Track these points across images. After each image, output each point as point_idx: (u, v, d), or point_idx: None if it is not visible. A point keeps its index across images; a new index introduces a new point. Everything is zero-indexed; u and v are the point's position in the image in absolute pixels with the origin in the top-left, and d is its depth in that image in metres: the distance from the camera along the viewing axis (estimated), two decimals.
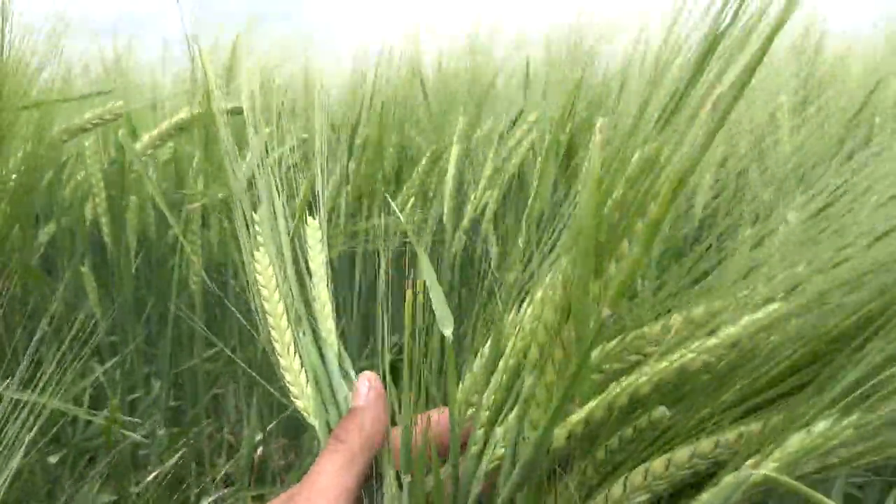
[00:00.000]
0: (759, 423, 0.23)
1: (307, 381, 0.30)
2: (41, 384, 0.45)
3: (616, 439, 0.24)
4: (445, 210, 0.69)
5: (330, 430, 0.29)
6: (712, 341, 0.23)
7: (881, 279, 0.22)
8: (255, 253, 0.32)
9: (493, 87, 0.82)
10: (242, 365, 0.82)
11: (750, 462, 0.22)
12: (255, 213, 0.31)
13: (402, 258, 0.85)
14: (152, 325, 0.85)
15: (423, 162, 0.74)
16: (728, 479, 0.22)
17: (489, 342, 0.27)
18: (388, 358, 0.30)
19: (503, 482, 0.25)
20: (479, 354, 0.28)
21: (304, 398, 0.29)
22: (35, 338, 0.50)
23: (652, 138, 0.21)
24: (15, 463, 0.45)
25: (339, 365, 0.30)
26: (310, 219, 0.33)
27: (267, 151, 0.33)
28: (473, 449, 0.26)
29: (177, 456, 0.79)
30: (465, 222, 0.71)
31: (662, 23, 0.21)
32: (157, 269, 0.84)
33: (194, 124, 0.72)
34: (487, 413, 0.26)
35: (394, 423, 0.28)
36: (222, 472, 0.83)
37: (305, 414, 0.30)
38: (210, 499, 0.79)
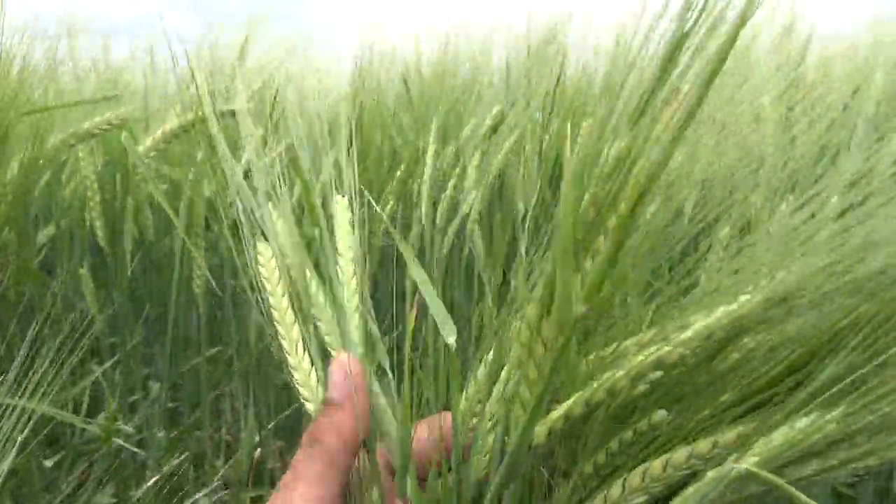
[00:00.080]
0: (757, 423, 0.23)
1: (318, 380, 0.28)
2: (32, 385, 0.45)
3: (616, 441, 0.24)
4: (423, 210, 0.69)
5: None
6: (686, 334, 0.23)
7: (867, 282, 0.22)
8: (259, 245, 0.30)
9: (478, 86, 0.81)
10: (246, 365, 0.82)
11: (732, 457, 0.22)
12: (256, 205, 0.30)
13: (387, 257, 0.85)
14: (150, 327, 0.85)
15: (403, 166, 0.74)
16: (710, 474, 0.22)
17: (492, 350, 0.27)
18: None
19: (490, 481, 0.25)
20: (482, 362, 0.27)
21: (315, 400, 0.28)
22: (27, 338, 0.50)
23: (623, 135, 0.21)
24: (6, 465, 0.45)
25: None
26: (338, 196, 0.32)
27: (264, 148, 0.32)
28: (475, 459, 0.26)
29: (176, 459, 0.79)
30: (447, 222, 0.71)
31: (634, 21, 0.21)
32: (156, 271, 0.84)
33: (196, 127, 0.72)
34: (491, 423, 0.26)
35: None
36: (220, 473, 0.83)
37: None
38: (208, 500, 0.79)
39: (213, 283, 0.73)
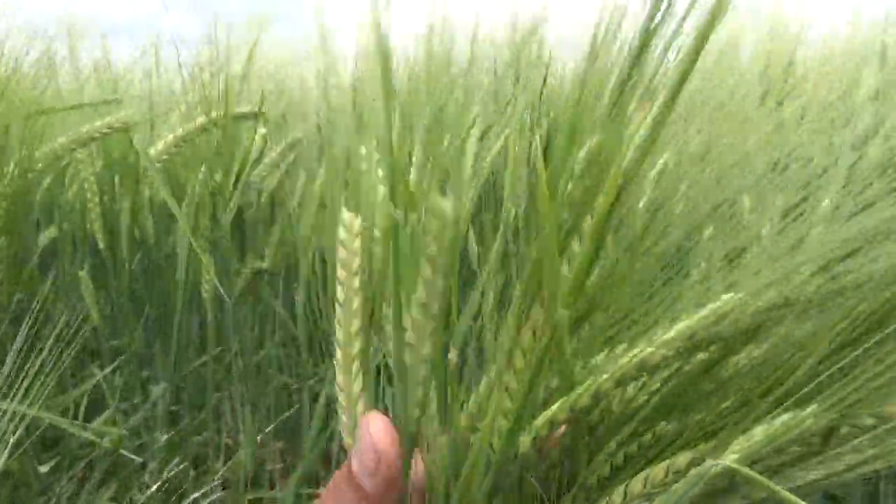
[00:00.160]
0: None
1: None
2: (24, 387, 0.45)
3: (616, 447, 0.24)
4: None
5: None
6: (669, 335, 0.23)
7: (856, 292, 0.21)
8: (343, 212, 0.25)
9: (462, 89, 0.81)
10: (246, 367, 0.82)
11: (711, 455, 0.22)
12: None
13: None
14: (151, 329, 0.85)
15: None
16: (692, 472, 0.21)
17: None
18: None
19: (476, 491, 0.24)
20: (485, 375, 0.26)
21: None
22: (19, 339, 0.50)
23: (596, 134, 0.21)
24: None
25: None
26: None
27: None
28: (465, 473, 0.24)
29: (176, 462, 0.79)
30: None
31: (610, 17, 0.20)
32: (157, 273, 0.84)
33: (208, 130, 0.72)
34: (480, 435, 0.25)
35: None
36: (219, 474, 0.83)
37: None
38: (207, 502, 0.79)
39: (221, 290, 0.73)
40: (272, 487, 0.84)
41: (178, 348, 0.79)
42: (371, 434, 0.22)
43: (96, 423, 0.75)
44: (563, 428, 0.24)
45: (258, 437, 0.82)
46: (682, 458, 0.22)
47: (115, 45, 0.93)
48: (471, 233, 0.73)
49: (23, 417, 0.45)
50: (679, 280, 0.23)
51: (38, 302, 0.63)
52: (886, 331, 0.21)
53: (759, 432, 0.21)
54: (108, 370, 0.77)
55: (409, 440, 0.23)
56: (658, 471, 0.23)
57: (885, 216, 0.21)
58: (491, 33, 0.84)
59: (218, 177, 0.72)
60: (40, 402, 0.46)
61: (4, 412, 0.44)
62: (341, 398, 0.25)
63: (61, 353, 0.51)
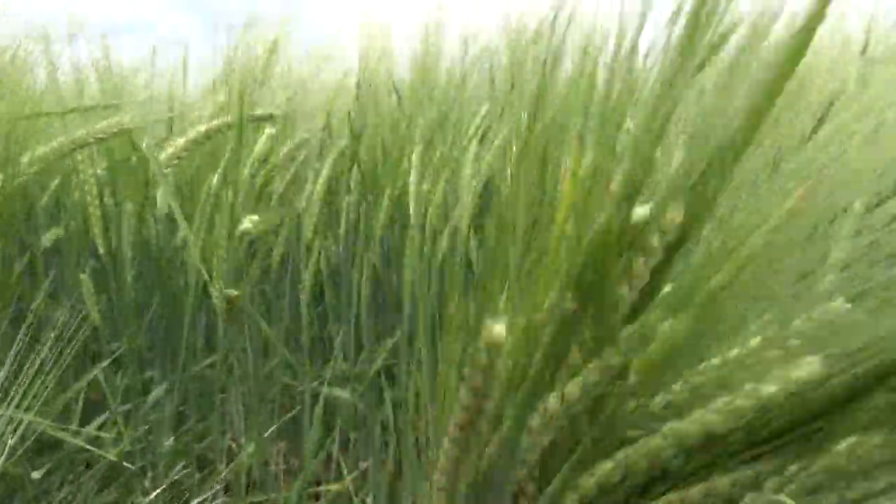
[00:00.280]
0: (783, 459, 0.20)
1: None
2: (22, 391, 0.45)
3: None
4: (412, 213, 0.69)
5: None
6: (739, 401, 0.19)
7: None
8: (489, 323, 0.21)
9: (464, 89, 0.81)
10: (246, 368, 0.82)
11: (771, 483, 0.19)
12: None
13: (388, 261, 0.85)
14: (155, 331, 0.85)
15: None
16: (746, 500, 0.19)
17: None
18: None
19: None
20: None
21: None
22: (17, 342, 0.50)
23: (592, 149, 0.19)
24: None
25: None
26: None
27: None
28: None
29: (180, 465, 0.79)
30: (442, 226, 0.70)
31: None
32: (162, 277, 0.84)
33: (221, 133, 0.72)
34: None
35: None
36: (222, 476, 0.83)
37: None
38: None
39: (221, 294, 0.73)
40: (276, 489, 0.84)
41: (185, 352, 0.79)
42: None
43: (94, 425, 0.75)
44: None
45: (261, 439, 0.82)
46: (697, 489, 0.20)
47: (116, 46, 0.93)
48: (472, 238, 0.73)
49: (20, 423, 0.45)
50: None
51: (36, 304, 0.63)
52: None
53: (820, 463, 0.19)
54: (99, 369, 0.77)
55: None
56: (695, 492, 0.20)
57: None
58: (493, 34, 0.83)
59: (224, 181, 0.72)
60: (38, 405, 0.46)
61: (0, 416, 0.44)
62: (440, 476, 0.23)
63: (60, 353, 0.51)
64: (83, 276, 0.76)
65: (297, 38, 0.97)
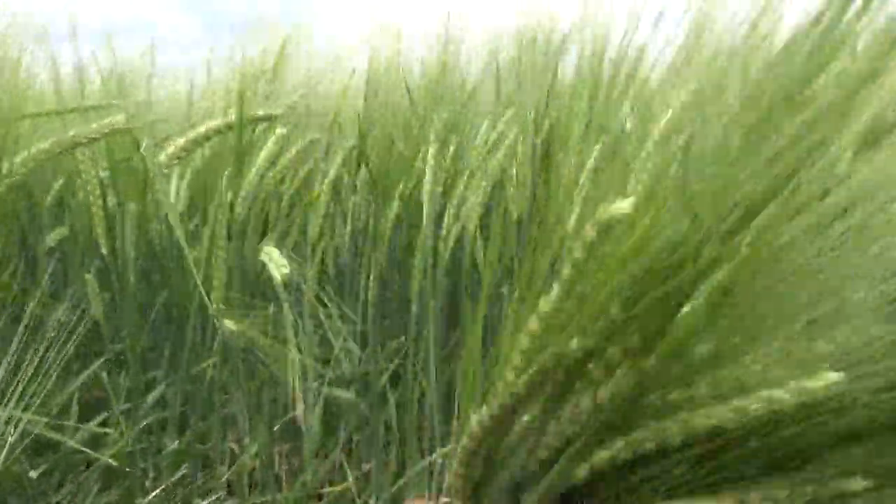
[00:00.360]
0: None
1: None
2: (20, 390, 0.45)
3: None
4: (426, 213, 0.68)
5: None
6: (752, 403, 0.20)
7: None
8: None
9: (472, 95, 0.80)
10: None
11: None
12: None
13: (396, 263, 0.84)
14: (158, 331, 0.85)
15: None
16: None
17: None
18: None
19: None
20: None
21: None
22: (16, 341, 0.49)
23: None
24: None
25: None
26: None
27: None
28: None
29: (183, 467, 0.79)
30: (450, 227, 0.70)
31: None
32: (164, 277, 0.84)
33: (222, 133, 0.71)
34: None
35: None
36: (224, 478, 0.82)
37: None
38: None
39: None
40: (279, 490, 0.83)
41: (187, 352, 0.79)
42: None
43: (92, 424, 0.74)
44: None
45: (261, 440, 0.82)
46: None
47: (116, 46, 0.92)
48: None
49: (18, 421, 0.44)
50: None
51: (34, 303, 0.62)
52: None
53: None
54: (98, 369, 0.77)
55: None
56: None
57: None
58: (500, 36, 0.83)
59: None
60: (36, 404, 0.45)
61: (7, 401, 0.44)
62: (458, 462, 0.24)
63: (59, 352, 0.51)
64: (88, 277, 0.76)
65: (305, 38, 0.96)
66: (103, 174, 0.73)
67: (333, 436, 0.81)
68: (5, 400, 0.46)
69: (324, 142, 0.78)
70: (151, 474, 0.78)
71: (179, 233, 0.66)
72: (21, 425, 0.45)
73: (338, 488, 0.82)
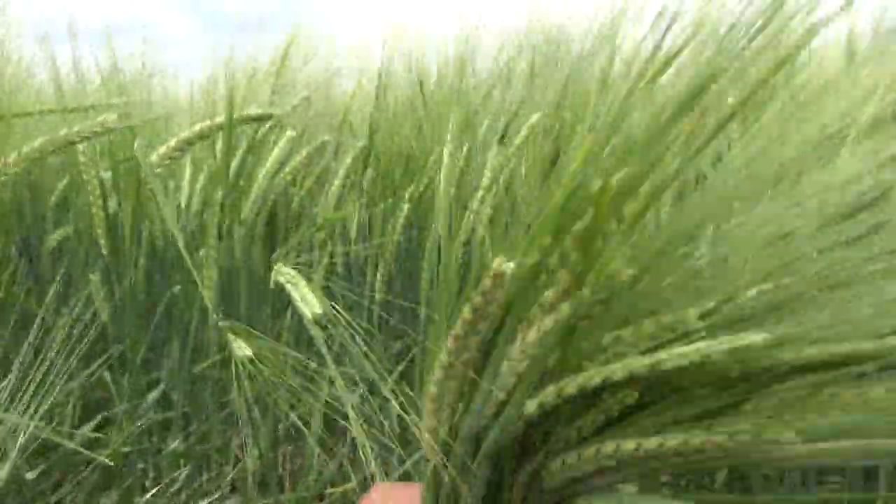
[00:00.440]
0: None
1: None
2: (28, 396, 0.44)
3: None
4: (441, 215, 0.68)
5: None
6: (686, 350, 0.22)
7: None
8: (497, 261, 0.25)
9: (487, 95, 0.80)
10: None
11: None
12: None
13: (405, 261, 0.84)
14: (160, 330, 0.84)
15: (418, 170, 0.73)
16: None
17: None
18: None
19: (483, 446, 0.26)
20: None
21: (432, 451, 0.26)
22: (26, 344, 0.49)
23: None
24: (3, 474, 0.44)
25: None
26: None
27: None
28: None
29: (185, 468, 0.78)
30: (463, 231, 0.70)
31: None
32: (163, 275, 0.83)
33: (214, 133, 0.71)
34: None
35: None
36: (227, 479, 0.82)
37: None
38: None
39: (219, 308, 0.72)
40: (282, 491, 0.83)
41: (189, 352, 0.78)
42: None
43: (91, 426, 0.74)
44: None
45: (264, 441, 0.82)
46: (653, 441, 0.23)
47: (116, 46, 0.92)
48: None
49: (26, 429, 0.44)
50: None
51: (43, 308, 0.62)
52: None
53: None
54: (98, 370, 0.76)
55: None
56: (629, 444, 0.23)
57: None
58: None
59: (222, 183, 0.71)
60: (43, 409, 0.45)
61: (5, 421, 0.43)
62: (431, 409, 0.26)
63: (67, 357, 0.50)
64: (93, 277, 0.75)
65: (306, 38, 0.96)
66: (104, 175, 0.72)
67: (338, 437, 0.81)
68: (13, 407, 0.46)
69: (334, 142, 0.78)
70: (151, 474, 0.78)
71: (177, 232, 0.65)
72: (28, 432, 0.45)
73: (340, 489, 0.82)
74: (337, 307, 0.48)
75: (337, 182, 0.76)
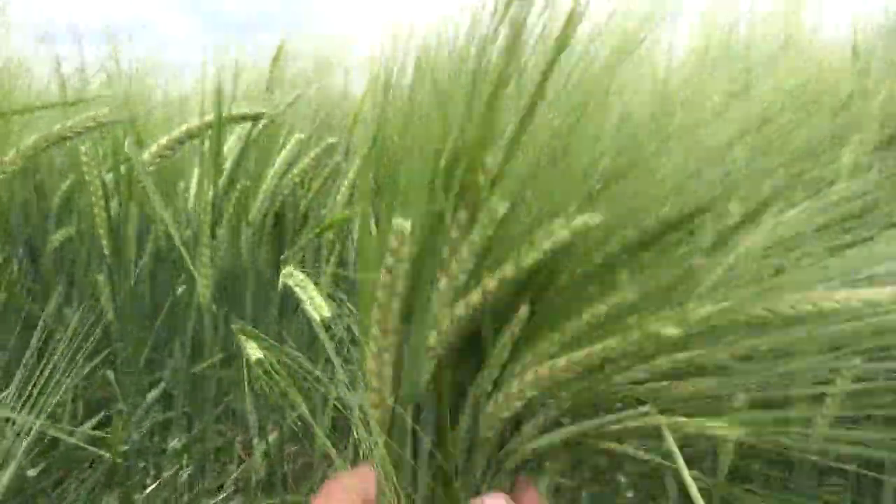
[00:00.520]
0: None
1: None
2: (35, 394, 0.45)
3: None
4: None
5: None
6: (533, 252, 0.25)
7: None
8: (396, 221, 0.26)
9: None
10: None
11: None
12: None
13: None
14: (162, 329, 0.84)
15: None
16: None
17: None
18: None
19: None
20: None
21: (380, 410, 0.28)
22: (32, 344, 0.49)
23: None
24: (6, 476, 0.44)
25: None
26: None
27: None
28: None
29: (188, 468, 0.78)
30: None
31: None
32: (166, 276, 0.83)
33: (204, 131, 0.71)
34: None
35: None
36: (232, 478, 0.82)
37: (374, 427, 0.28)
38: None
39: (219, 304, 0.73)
40: (286, 491, 0.83)
41: (191, 351, 0.79)
42: None
43: (92, 423, 0.74)
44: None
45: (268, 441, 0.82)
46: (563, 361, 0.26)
47: (117, 46, 0.92)
48: None
49: (30, 430, 0.44)
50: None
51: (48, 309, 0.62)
52: None
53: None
54: (99, 369, 0.76)
55: None
56: (544, 369, 0.26)
57: None
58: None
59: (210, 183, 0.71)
60: (49, 409, 0.45)
61: (9, 420, 0.44)
62: (373, 380, 0.28)
63: (72, 359, 0.50)
64: (99, 277, 0.76)
65: (304, 38, 0.96)
66: (106, 175, 0.73)
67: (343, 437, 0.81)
68: (19, 407, 0.46)
69: (344, 143, 0.78)
70: (152, 472, 0.78)
71: (174, 231, 0.66)
72: (33, 433, 0.45)
73: None
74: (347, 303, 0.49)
75: (346, 183, 0.76)
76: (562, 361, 0.26)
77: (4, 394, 0.45)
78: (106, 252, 0.71)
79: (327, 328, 0.83)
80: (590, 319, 0.26)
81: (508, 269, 0.25)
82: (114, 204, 0.72)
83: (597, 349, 0.25)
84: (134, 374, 0.78)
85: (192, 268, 0.65)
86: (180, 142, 0.72)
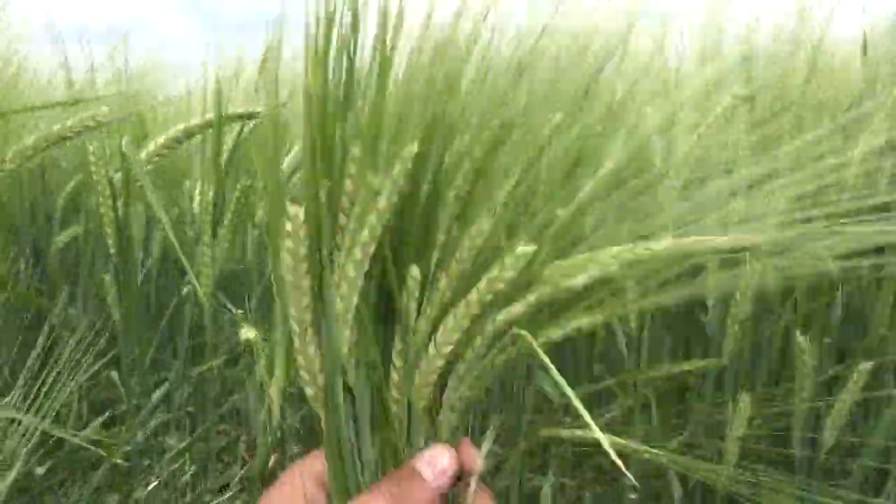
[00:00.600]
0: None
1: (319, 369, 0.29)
2: (41, 396, 0.45)
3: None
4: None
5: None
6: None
7: None
8: (289, 206, 0.29)
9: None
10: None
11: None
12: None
13: None
14: (164, 332, 0.84)
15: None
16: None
17: None
18: None
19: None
20: None
21: (315, 386, 0.29)
22: (38, 345, 0.49)
23: None
24: (11, 477, 0.44)
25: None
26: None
27: None
28: None
29: (191, 467, 0.79)
30: None
31: None
32: (170, 277, 0.83)
33: (202, 130, 0.71)
34: None
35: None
36: (237, 477, 0.83)
37: (315, 405, 0.29)
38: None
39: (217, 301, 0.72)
40: None
41: (194, 351, 0.79)
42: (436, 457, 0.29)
43: (96, 424, 0.74)
44: None
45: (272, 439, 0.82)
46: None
47: (118, 46, 0.92)
48: None
49: (35, 431, 0.44)
50: None
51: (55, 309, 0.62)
52: None
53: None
54: (102, 370, 0.76)
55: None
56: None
57: None
58: None
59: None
60: (54, 410, 0.45)
61: (15, 421, 0.44)
62: (300, 359, 0.29)
63: (78, 361, 0.51)
64: (106, 277, 0.76)
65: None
66: (114, 175, 0.72)
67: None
68: (25, 409, 0.46)
69: None
70: (156, 471, 0.78)
71: (169, 231, 0.66)
72: (37, 433, 0.45)
73: None
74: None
75: None
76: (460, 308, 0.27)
77: (9, 396, 0.46)
78: (112, 252, 0.71)
79: None
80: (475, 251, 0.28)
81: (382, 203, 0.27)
82: (121, 203, 0.72)
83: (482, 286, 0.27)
84: (139, 375, 0.78)
85: (187, 267, 0.65)
86: (178, 141, 0.71)
